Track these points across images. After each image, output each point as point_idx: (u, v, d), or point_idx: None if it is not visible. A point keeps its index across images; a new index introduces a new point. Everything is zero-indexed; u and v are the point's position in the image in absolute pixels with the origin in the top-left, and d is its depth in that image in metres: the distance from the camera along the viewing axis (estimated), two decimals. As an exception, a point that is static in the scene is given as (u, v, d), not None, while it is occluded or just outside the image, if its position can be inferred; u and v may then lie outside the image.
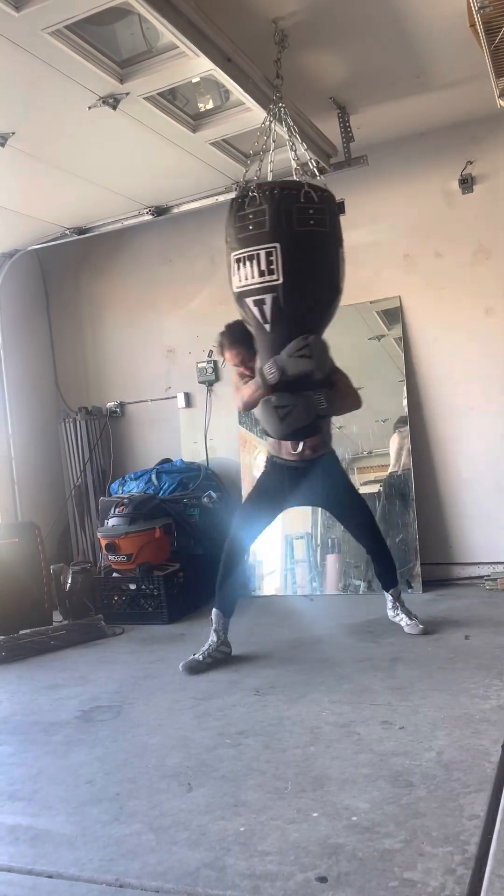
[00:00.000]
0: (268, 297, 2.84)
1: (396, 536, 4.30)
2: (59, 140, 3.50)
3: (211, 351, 5.02)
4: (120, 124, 3.34)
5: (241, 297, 2.92)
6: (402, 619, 3.35)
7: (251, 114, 3.33)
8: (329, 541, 4.50)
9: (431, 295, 4.39)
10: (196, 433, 5.11)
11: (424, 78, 3.63)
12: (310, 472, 3.12)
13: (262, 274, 2.82)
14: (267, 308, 2.85)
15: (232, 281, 2.94)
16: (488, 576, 4.16)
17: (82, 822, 1.88)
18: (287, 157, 3.14)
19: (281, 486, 3.16)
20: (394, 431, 4.42)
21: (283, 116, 3.10)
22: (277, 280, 2.81)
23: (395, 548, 4.29)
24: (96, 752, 2.33)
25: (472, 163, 4.24)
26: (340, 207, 3.00)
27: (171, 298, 5.17)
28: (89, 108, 3.14)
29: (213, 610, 3.22)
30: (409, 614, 3.35)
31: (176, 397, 5.19)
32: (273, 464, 3.19)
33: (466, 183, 4.24)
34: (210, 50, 2.80)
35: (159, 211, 4.51)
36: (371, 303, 4.48)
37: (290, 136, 3.13)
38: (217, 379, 5.02)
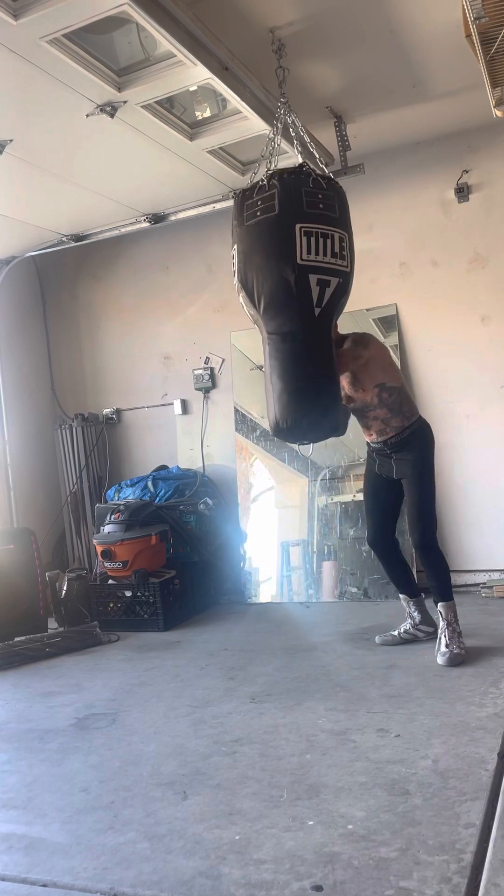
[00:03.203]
0: (333, 281, 2.80)
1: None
2: (57, 147, 3.51)
3: (208, 358, 5.03)
4: (117, 132, 3.35)
5: (304, 269, 2.74)
6: (439, 646, 2.98)
7: (248, 122, 3.35)
8: (325, 548, 4.50)
9: (427, 303, 4.41)
10: (192, 440, 5.11)
11: (420, 87, 3.66)
12: (388, 452, 3.20)
13: (334, 256, 2.79)
14: (329, 290, 2.80)
15: (298, 252, 2.71)
16: (484, 583, 4.16)
17: (77, 830, 1.88)
18: (290, 163, 3.15)
19: (372, 467, 3.35)
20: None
21: (290, 124, 3.12)
22: (347, 268, 2.84)
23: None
24: (91, 760, 2.32)
25: (467, 172, 4.26)
26: None
27: (167, 305, 5.18)
28: (87, 115, 3.15)
29: (401, 596, 3.40)
30: (450, 636, 2.99)
31: (172, 404, 5.19)
32: (368, 449, 3.37)
33: (462, 192, 4.27)
34: (207, 59, 2.82)
35: (156, 218, 4.52)
36: (367, 310, 4.50)
37: (298, 142, 3.14)
38: (213, 386, 5.03)
